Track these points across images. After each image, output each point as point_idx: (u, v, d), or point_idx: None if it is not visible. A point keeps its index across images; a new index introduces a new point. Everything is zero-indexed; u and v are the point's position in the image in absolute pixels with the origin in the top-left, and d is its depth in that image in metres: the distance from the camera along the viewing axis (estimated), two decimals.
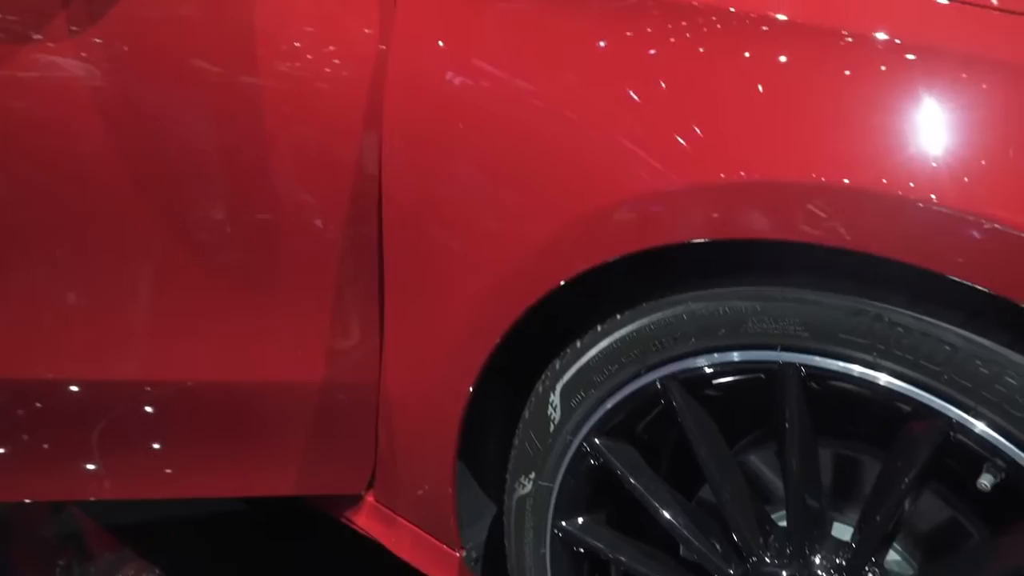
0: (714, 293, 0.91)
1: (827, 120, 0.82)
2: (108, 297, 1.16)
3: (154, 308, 1.17)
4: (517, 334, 1.03)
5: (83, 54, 1.05)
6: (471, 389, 1.08)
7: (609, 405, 1.00)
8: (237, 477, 1.28)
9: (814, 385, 0.88)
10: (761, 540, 0.96)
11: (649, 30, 0.91)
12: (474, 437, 1.15)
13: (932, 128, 0.78)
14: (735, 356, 0.91)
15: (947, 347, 0.80)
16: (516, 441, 1.11)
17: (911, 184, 0.77)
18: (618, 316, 0.98)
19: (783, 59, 0.85)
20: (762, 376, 0.91)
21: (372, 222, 1.13)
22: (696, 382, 0.95)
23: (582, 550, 1.10)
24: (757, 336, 0.88)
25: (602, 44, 0.94)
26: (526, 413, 1.09)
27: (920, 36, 0.81)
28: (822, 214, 0.80)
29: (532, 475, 1.09)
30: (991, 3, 0.81)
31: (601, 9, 0.95)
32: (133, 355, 1.20)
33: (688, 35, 0.89)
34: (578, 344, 1.02)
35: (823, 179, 0.80)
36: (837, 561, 0.93)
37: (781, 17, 0.86)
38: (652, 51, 0.91)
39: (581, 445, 1.03)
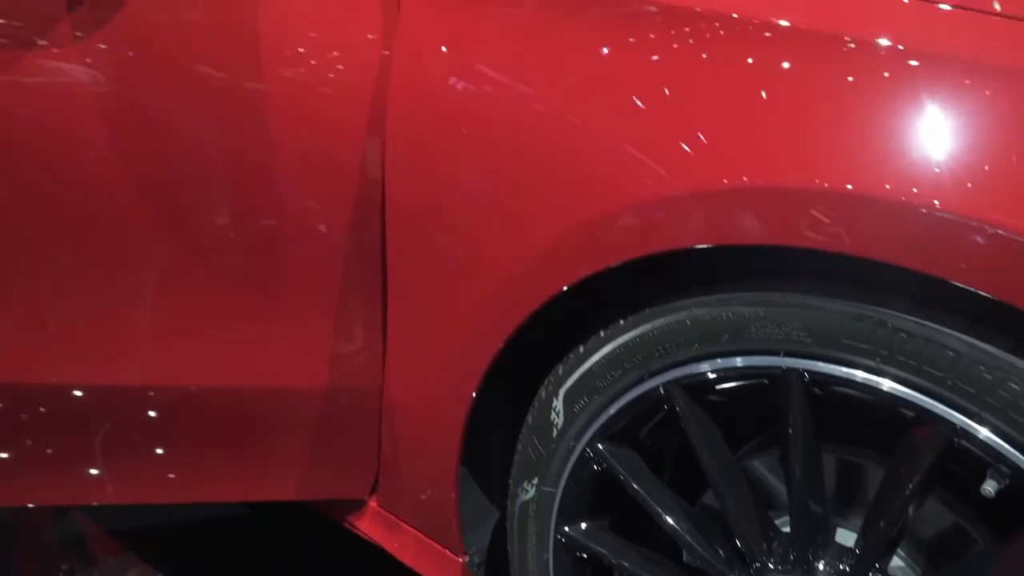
0: (717, 299, 0.91)
1: (830, 126, 0.82)
2: (112, 302, 1.16)
3: (158, 313, 1.18)
4: (520, 339, 1.03)
5: (88, 60, 1.06)
6: (474, 394, 1.08)
7: (612, 410, 1.00)
8: (240, 482, 1.28)
9: (817, 391, 0.88)
10: (764, 546, 0.96)
11: (652, 36, 0.91)
12: (477, 442, 1.15)
13: (935, 134, 0.78)
14: (738, 361, 0.91)
15: (950, 353, 0.80)
16: (519, 446, 1.11)
17: (914, 190, 0.77)
18: (621, 321, 0.98)
19: (786, 65, 0.85)
20: (765, 381, 0.91)
21: (375, 227, 1.13)
22: (699, 387, 0.95)
23: (585, 556, 1.09)
24: (760, 342, 0.88)
25: (605, 50, 0.94)
26: (529, 418, 1.09)
27: (923, 42, 0.81)
28: (825, 220, 0.80)
29: (535, 480, 1.09)
30: (994, 9, 0.81)
31: (604, 15, 0.96)
32: (137, 360, 1.20)
33: (691, 41, 0.89)
34: (581, 349, 1.02)
35: (826, 185, 0.80)
36: (841, 567, 0.93)
37: (784, 23, 0.86)
38: (655, 57, 0.91)
39: (584, 450, 1.03)
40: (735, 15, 0.88)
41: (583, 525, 1.08)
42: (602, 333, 0.99)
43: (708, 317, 0.91)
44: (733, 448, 1.00)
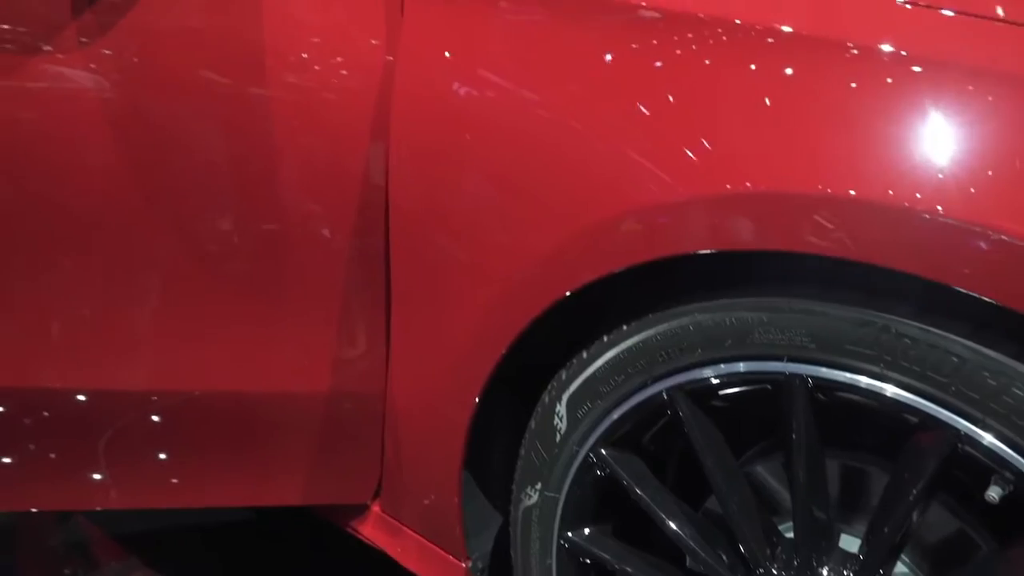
0: (720, 304, 0.91)
1: (833, 132, 0.82)
2: (116, 307, 1.16)
3: (161, 318, 1.18)
4: (524, 344, 1.03)
5: (93, 65, 1.06)
6: (477, 399, 1.08)
7: (615, 416, 1.00)
8: (243, 487, 1.28)
9: (821, 396, 0.88)
10: (768, 551, 0.96)
11: (655, 42, 0.91)
12: (480, 447, 1.15)
13: (938, 139, 0.78)
14: (741, 367, 0.91)
15: (954, 358, 0.79)
16: (522, 451, 1.11)
17: (917, 195, 0.77)
18: (624, 327, 0.98)
19: (789, 71, 0.85)
20: (769, 387, 0.91)
21: (379, 232, 1.13)
22: (702, 393, 0.95)
23: (588, 561, 1.09)
24: (764, 347, 0.88)
25: (608, 56, 0.94)
26: (532, 423, 1.09)
27: (925, 48, 0.81)
28: (828, 225, 0.80)
29: (538, 485, 1.08)
30: (996, 14, 0.81)
31: (607, 21, 0.96)
32: (140, 365, 1.20)
33: (694, 47, 0.89)
34: (584, 355, 1.02)
35: (829, 190, 0.80)
36: (844, 573, 0.93)
37: (786, 29, 0.86)
38: (658, 63, 0.91)
39: (587, 456, 1.03)
40: (738, 21, 0.88)
41: (586, 530, 1.08)
42: (605, 338, 0.99)
43: (711, 322, 0.91)
44: (736, 453, 1.00)
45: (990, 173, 0.76)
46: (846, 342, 0.84)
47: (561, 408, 1.04)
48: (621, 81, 0.93)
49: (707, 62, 0.88)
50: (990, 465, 0.80)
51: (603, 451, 1.02)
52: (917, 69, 0.80)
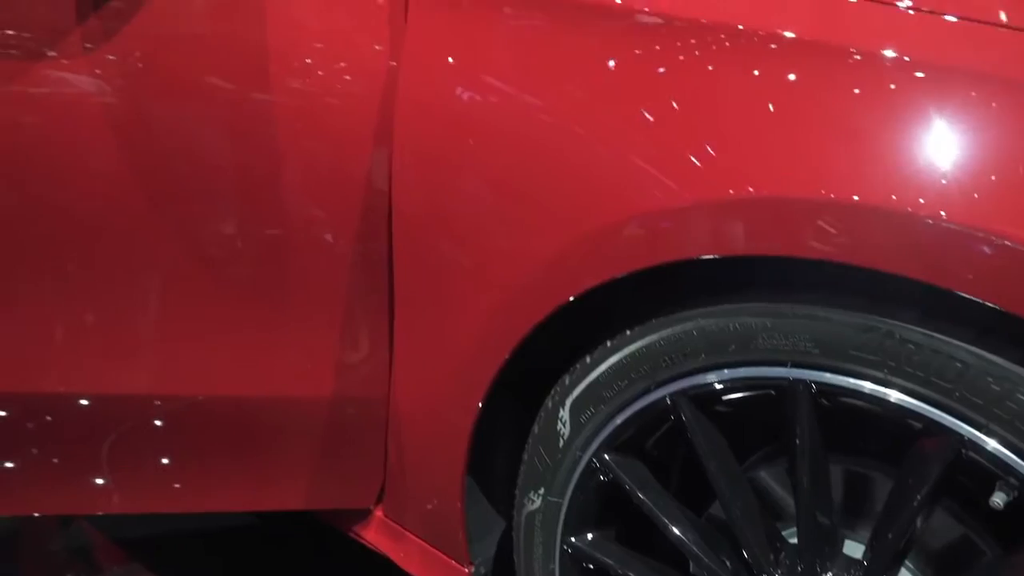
0: (724, 309, 0.91)
1: (836, 137, 0.82)
2: (119, 312, 1.17)
3: (164, 322, 1.18)
4: (527, 349, 1.03)
5: (97, 71, 1.06)
6: (480, 404, 1.08)
7: (619, 421, 1.00)
8: (246, 491, 1.28)
9: (825, 402, 0.88)
10: (771, 557, 0.96)
11: (658, 48, 0.92)
12: (483, 452, 1.15)
13: (941, 145, 0.78)
14: (745, 372, 0.91)
15: (958, 364, 0.79)
16: (525, 456, 1.11)
17: (920, 200, 0.77)
18: (628, 332, 0.98)
19: (792, 77, 0.85)
20: (772, 392, 0.91)
21: (382, 237, 1.14)
22: (706, 398, 0.95)
23: (591, 566, 1.09)
24: (767, 352, 0.88)
25: (611, 61, 0.95)
26: (535, 428, 1.09)
27: (929, 54, 0.81)
28: (831, 230, 0.81)
29: (541, 490, 1.08)
30: (1000, 20, 0.82)
31: (610, 26, 0.96)
32: (143, 369, 1.20)
33: (697, 53, 0.89)
34: (588, 359, 1.02)
35: (832, 195, 0.80)
36: None
37: (789, 35, 0.86)
38: (661, 69, 0.91)
39: (591, 461, 1.03)
40: (740, 27, 0.88)
41: (589, 535, 1.08)
42: (608, 343, 1.00)
43: (715, 328, 0.91)
44: (740, 459, 1.00)
45: (993, 178, 0.76)
46: (850, 347, 0.84)
47: (564, 413, 1.04)
48: (624, 86, 0.93)
49: (710, 68, 0.89)
50: (994, 471, 0.80)
51: (606, 456, 1.02)
52: (920, 75, 0.80)
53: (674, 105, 0.90)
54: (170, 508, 1.29)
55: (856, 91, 0.82)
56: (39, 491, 1.25)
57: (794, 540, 0.96)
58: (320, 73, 1.11)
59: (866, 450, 0.98)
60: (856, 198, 0.79)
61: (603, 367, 1.00)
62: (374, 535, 1.32)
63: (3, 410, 1.19)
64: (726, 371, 0.92)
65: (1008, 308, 0.75)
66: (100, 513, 1.30)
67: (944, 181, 0.77)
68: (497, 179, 1.03)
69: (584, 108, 0.96)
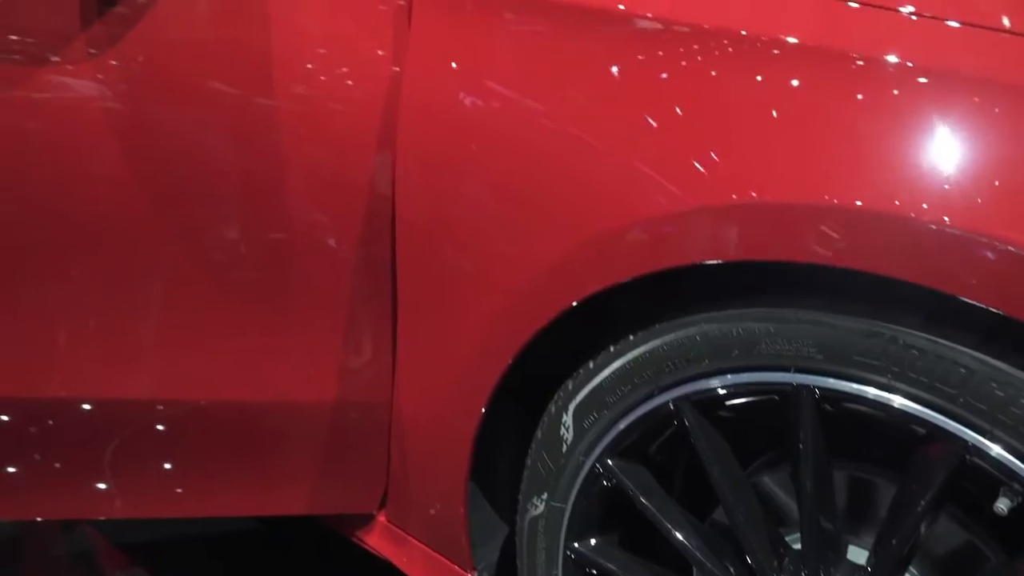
0: (727, 314, 0.91)
1: (839, 142, 0.82)
2: (122, 316, 1.17)
3: (167, 327, 1.18)
4: (530, 354, 1.03)
5: (100, 76, 1.07)
6: (483, 409, 1.08)
7: (622, 426, 1.00)
8: (249, 496, 1.28)
9: (828, 407, 0.88)
10: (775, 563, 0.95)
11: (661, 53, 0.92)
12: (486, 457, 1.15)
13: (944, 150, 0.78)
14: (748, 377, 0.91)
15: (962, 369, 0.79)
16: (528, 461, 1.11)
17: (924, 206, 0.77)
18: (631, 337, 0.98)
19: (795, 82, 0.85)
20: (776, 398, 0.91)
21: (385, 242, 1.14)
22: (709, 403, 0.95)
23: (594, 572, 1.09)
24: (771, 358, 0.88)
25: (614, 67, 0.95)
26: (538, 433, 1.09)
27: (931, 59, 0.81)
28: (834, 235, 0.81)
29: (544, 496, 1.08)
30: (1003, 26, 0.82)
31: (612, 32, 0.96)
32: (146, 374, 1.20)
33: (700, 58, 0.89)
34: (591, 365, 1.02)
35: (835, 201, 0.80)
36: None
37: (792, 40, 0.86)
38: (664, 74, 0.91)
39: (594, 466, 1.03)
40: (743, 32, 0.88)
41: (593, 541, 1.08)
42: (612, 348, 0.99)
43: (718, 333, 0.91)
44: (743, 464, 1.00)
45: (996, 183, 0.76)
46: (853, 353, 0.84)
47: (567, 418, 1.04)
48: (627, 92, 0.93)
49: (713, 73, 0.89)
50: (998, 477, 0.80)
51: (609, 461, 1.02)
52: (923, 80, 0.81)
53: (677, 110, 0.90)
54: (173, 513, 1.29)
55: (859, 96, 0.82)
56: (42, 495, 1.25)
57: (798, 545, 0.96)
58: (323, 78, 1.11)
59: (870, 455, 0.98)
60: (859, 203, 0.79)
61: (606, 372, 1.00)
62: (377, 540, 1.32)
63: (6, 415, 1.19)
64: (729, 376, 0.92)
65: (1012, 313, 0.75)
66: (103, 518, 1.30)
67: (947, 186, 0.77)
68: (500, 184, 1.03)
69: (587, 113, 0.96)
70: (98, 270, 1.15)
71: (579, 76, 0.97)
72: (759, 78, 0.86)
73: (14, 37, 1.06)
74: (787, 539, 0.99)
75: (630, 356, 0.97)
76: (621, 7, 0.95)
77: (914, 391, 0.82)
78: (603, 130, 0.95)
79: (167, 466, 1.25)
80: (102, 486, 1.24)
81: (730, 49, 0.88)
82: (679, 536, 1.00)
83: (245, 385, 1.21)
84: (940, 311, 0.80)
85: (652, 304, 0.97)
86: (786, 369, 0.88)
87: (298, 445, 1.25)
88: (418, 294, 1.13)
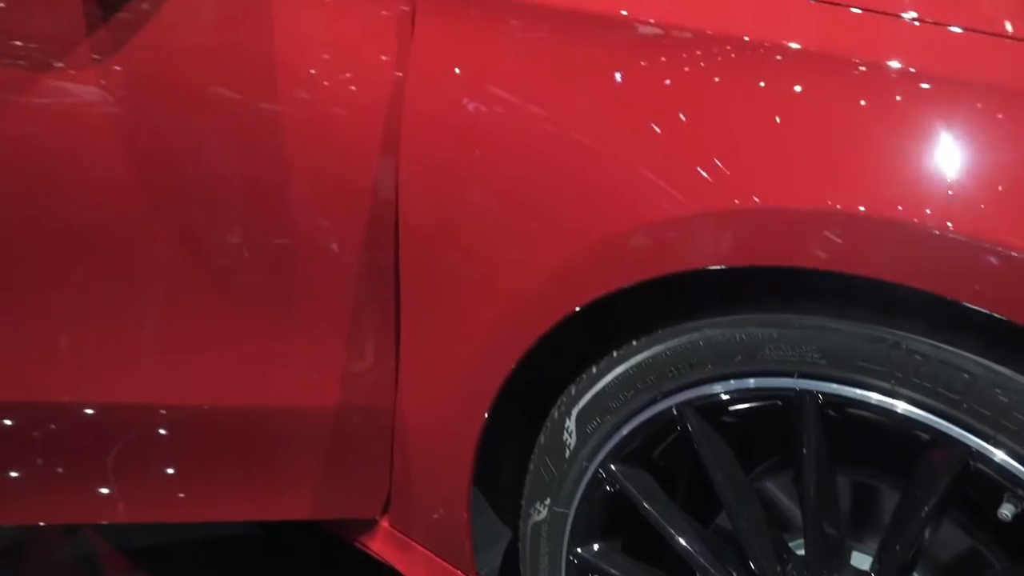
0: (731, 320, 0.91)
1: (842, 148, 0.82)
2: (125, 321, 1.17)
3: (170, 331, 1.18)
4: (533, 358, 1.03)
5: (104, 82, 1.07)
6: (486, 414, 1.08)
7: (625, 431, 1.00)
8: (252, 501, 1.28)
9: (831, 412, 0.88)
10: (779, 568, 0.95)
11: (663, 59, 0.92)
12: (489, 462, 1.15)
13: (948, 156, 0.78)
14: (752, 383, 0.91)
15: (966, 375, 0.79)
16: (531, 467, 1.11)
17: (927, 211, 0.77)
18: (634, 342, 0.98)
19: (798, 88, 0.85)
20: (779, 403, 0.91)
21: (388, 247, 1.14)
22: (712, 409, 0.95)
23: None
24: (774, 363, 0.88)
25: (617, 72, 0.95)
26: (541, 438, 1.09)
27: (934, 65, 0.81)
28: (838, 241, 0.81)
29: (547, 501, 1.08)
30: (1006, 31, 0.82)
31: (616, 38, 0.96)
32: (149, 378, 1.20)
33: (702, 64, 0.89)
34: (594, 370, 1.02)
35: (838, 206, 0.80)
36: None
37: (795, 46, 0.86)
38: (667, 80, 0.91)
39: (597, 471, 1.03)
40: (746, 38, 0.88)
41: (595, 546, 1.08)
42: (615, 354, 0.99)
43: (721, 338, 0.91)
44: (747, 469, 1.00)
45: (1000, 189, 0.76)
46: (857, 358, 0.84)
47: (570, 423, 1.04)
48: (630, 97, 0.94)
49: (716, 79, 0.89)
50: (1002, 482, 0.80)
51: (612, 467, 1.02)
52: (926, 86, 0.81)
53: (680, 116, 0.90)
54: (175, 518, 1.29)
55: (862, 102, 0.82)
56: (45, 500, 1.25)
57: (801, 551, 0.96)
58: (327, 84, 1.11)
59: (873, 461, 0.98)
60: (862, 209, 0.79)
61: (609, 377, 1.00)
62: (380, 545, 1.32)
63: (9, 419, 1.19)
64: (733, 382, 0.92)
65: (1015, 318, 0.75)
66: (105, 522, 1.30)
67: (950, 192, 0.77)
68: (503, 189, 1.03)
69: (590, 119, 0.96)
70: (102, 274, 1.15)
71: (582, 81, 0.97)
72: (762, 84, 0.86)
73: (19, 42, 1.06)
74: (790, 544, 0.99)
75: (633, 361, 0.97)
76: (624, 13, 0.96)
77: (917, 396, 0.82)
78: (606, 135, 0.95)
79: (170, 471, 1.25)
80: (105, 491, 1.24)
81: (733, 55, 0.88)
82: (682, 541, 1.00)
83: (248, 389, 1.21)
84: (943, 316, 0.80)
85: (655, 309, 0.97)
86: (789, 374, 0.88)
87: (301, 450, 1.25)
88: (421, 299, 1.13)
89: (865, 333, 0.83)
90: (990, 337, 0.79)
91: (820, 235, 0.81)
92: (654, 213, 0.90)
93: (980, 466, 0.80)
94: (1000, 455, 0.79)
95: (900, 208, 0.78)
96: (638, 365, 0.97)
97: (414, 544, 1.28)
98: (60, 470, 1.23)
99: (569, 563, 1.09)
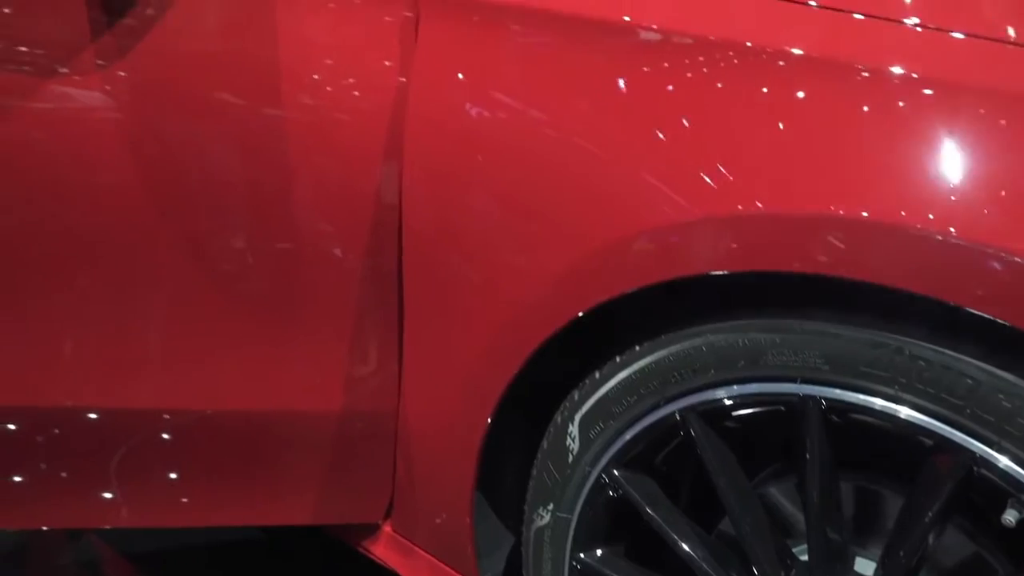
0: (733, 325, 0.91)
1: (845, 154, 0.82)
2: (128, 326, 1.17)
3: (173, 336, 1.18)
4: (536, 363, 1.03)
5: (109, 87, 1.07)
6: (489, 419, 1.08)
7: (628, 436, 1.00)
8: (254, 506, 1.28)
9: (835, 418, 0.88)
10: (782, 574, 0.95)
11: (666, 64, 0.92)
12: (492, 467, 1.15)
13: (950, 161, 0.78)
14: (754, 388, 0.90)
15: (969, 380, 0.79)
16: (534, 472, 1.11)
17: (930, 216, 0.77)
18: (637, 347, 0.98)
19: (800, 94, 0.85)
20: (782, 408, 0.91)
21: (392, 252, 1.14)
22: (715, 414, 0.95)
23: None
24: (777, 368, 0.88)
25: (620, 78, 0.95)
26: (544, 444, 1.09)
27: (937, 70, 0.81)
28: (840, 246, 0.81)
29: (550, 506, 1.08)
30: (1008, 37, 0.82)
31: (619, 44, 0.96)
32: (152, 383, 1.20)
33: (705, 70, 0.90)
34: (597, 375, 1.02)
35: (841, 212, 0.80)
36: None
37: (798, 52, 0.86)
38: (669, 86, 0.91)
39: (600, 476, 1.03)
40: (749, 44, 0.88)
41: (598, 551, 1.07)
42: (618, 359, 1.00)
43: (724, 343, 0.91)
44: (750, 475, 1.00)
45: (1002, 194, 0.76)
46: (860, 364, 0.84)
47: (573, 428, 1.04)
48: (632, 103, 0.94)
49: (718, 84, 0.89)
50: (1006, 488, 0.80)
51: (615, 472, 1.02)
52: (928, 92, 0.81)
53: (683, 121, 0.90)
54: (178, 522, 1.29)
55: (864, 108, 0.82)
56: (48, 505, 1.25)
57: (804, 557, 0.96)
58: (330, 89, 1.11)
59: (877, 467, 0.97)
60: (865, 214, 0.79)
61: (612, 382, 1.00)
62: (383, 550, 1.32)
63: (13, 424, 1.20)
64: (735, 387, 0.91)
65: (1018, 324, 0.75)
66: (109, 527, 1.30)
67: (953, 197, 0.77)
68: (506, 194, 1.03)
69: (593, 124, 0.96)
70: (105, 279, 1.15)
71: (585, 87, 0.98)
72: (764, 89, 0.87)
73: (24, 48, 1.07)
74: (794, 550, 0.99)
75: (636, 366, 0.97)
76: (626, 19, 0.96)
77: (921, 402, 0.81)
78: (609, 141, 0.95)
79: (173, 475, 1.25)
80: (108, 495, 1.24)
81: (735, 60, 0.88)
82: (685, 547, 0.99)
83: (251, 394, 1.21)
84: (946, 322, 0.80)
85: (658, 315, 0.97)
86: (792, 380, 0.88)
87: (304, 454, 1.25)
88: (424, 304, 1.14)
89: (868, 338, 0.83)
90: (993, 342, 0.79)
91: (823, 240, 0.81)
92: (657, 218, 0.90)
93: (984, 472, 0.80)
94: (1004, 461, 0.79)
95: (903, 213, 0.78)
96: (641, 370, 0.97)
97: (417, 549, 1.28)
98: (63, 474, 1.23)
99: (572, 568, 1.08)
